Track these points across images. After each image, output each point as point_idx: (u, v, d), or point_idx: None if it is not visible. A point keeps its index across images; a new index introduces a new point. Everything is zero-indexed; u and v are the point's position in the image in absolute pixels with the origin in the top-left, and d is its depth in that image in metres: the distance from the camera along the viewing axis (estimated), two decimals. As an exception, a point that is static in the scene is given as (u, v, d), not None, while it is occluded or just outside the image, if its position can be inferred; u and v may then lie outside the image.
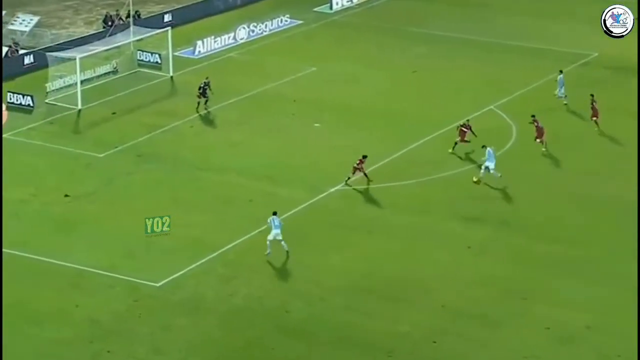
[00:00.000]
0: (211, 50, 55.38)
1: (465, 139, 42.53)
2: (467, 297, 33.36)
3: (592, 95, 45.79)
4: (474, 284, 34.12)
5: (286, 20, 59.86)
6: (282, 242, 35.01)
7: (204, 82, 47.23)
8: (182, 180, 40.89)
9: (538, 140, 43.23)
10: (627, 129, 45.32)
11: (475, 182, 40.39)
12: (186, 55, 54.58)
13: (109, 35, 52.69)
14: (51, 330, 31.32)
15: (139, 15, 56.96)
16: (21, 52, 52.48)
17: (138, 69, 52.53)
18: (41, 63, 51.24)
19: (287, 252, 35.12)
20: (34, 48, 53.34)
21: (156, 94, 49.99)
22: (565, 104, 47.87)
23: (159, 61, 52.73)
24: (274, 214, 35.13)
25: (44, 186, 40.09)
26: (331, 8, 62.92)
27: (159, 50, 52.86)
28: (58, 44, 52.75)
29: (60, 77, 49.15)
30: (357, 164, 40.03)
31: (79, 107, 47.71)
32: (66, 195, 39.29)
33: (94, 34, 55.25)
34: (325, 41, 57.83)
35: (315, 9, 62.77)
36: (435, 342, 31.18)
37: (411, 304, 33.06)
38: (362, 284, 34.10)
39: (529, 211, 38.89)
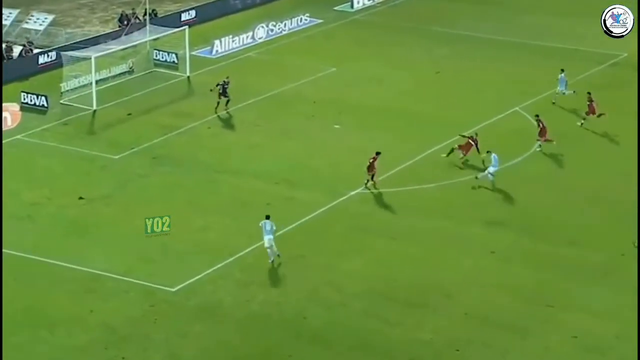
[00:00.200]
0: (229, 50, 55.48)
1: (467, 153, 41.90)
2: (491, 304, 33.26)
3: (589, 94, 45.98)
4: (498, 290, 34.01)
5: (306, 19, 59.89)
6: (271, 248, 34.79)
7: (224, 81, 47.18)
8: (198, 183, 40.96)
9: (542, 139, 43.17)
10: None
11: (461, 163, 40.65)
12: (203, 55, 54.69)
13: (125, 34, 52.87)
14: (65, 336, 31.42)
15: (155, 14, 57.12)
16: (35, 51, 52.72)
17: (154, 69, 52.68)
18: (56, 62, 51.54)
19: (279, 256, 34.89)
20: (48, 47, 53.59)
21: (173, 95, 50.11)
22: (553, 103, 47.83)
23: (176, 61, 52.86)
24: (267, 217, 35.03)
25: (58, 188, 40.24)
26: (352, 7, 62.91)
27: (176, 50, 52.99)
28: (73, 43, 52.97)
29: (75, 77, 49.34)
30: (371, 161, 39.90)
31: (94, 107, 47.88)
32: (81, 198, 39.43)
33: (109, 32, 55.46)
34: (346, 41, 57.82)
35: (336, 8, 62.78)
36: (458, 350, 31.10)
37: (433, 311, 32.98)
38: (383, 289, 34.06)
39: (554, 215, 38.74)
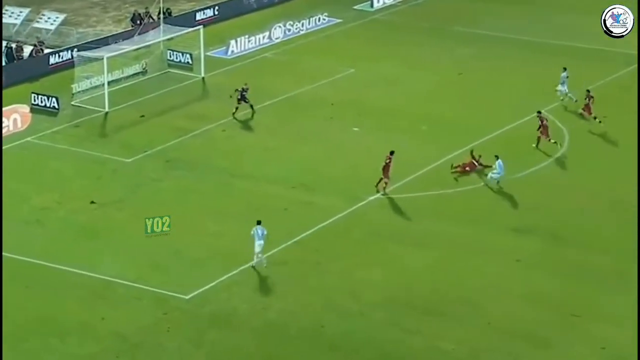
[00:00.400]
0: (245, 50, 55.57)
1: (467, 168, 41.65)
2: (515, 314, 33.16)
3: (589, 91, 46.08)
4: (523, 299, 33.91)
5: (324, 19, 59.93)
6: (261, 255, 34.81)
7: (242, 88, 47.11)
8: (213, 188, 41.03)
9: (544, 137, 43.41)
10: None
11: (453, 170, 40.98)
12: (219, 56, 54.80)
13: (138, 34, 53.04)
14: (75, 344, 31.51)
15: (169, 13, 57.28)
16: (46, 51, 52.95)
17: (168, 70, 52.82)
18: (67, 63, 51.74)
19: (264, 264, 34.92)
20: (59, 47, 53.81)
21: (187, 96, 50.22)
22: (562, 99, 47.89)
23: (190, 61, 52.98)
24: (258, 223, 35.00)
25: (69, 192, 40.39)
26: (372, 6, 62.92)
27: (190, 50, 53.10)
28: (85, 43, 53.16)
29: (87, 78, 49.50)
30: (387, 162, 39.84)
31: (106, 109, 48.03)
32: (92, 202, 39.55)
33: (122, 32, 55.65)
34: (365, 41, 57.82)
35: (355, 7, 62.80)
36: (480, 361, 31.06)
37: (455, 320, 32.90)
38: (403, 298, 34.00)
39: (580, 222, 38.61)
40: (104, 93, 48.27)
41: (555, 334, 32.25)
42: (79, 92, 49.11)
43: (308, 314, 33.09)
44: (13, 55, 51.81)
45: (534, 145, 43.62)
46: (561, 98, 48.17)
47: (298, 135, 45.76)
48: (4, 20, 56.94)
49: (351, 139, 45.52)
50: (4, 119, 44.41)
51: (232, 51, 55.18)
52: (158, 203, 39.32)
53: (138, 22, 56.12)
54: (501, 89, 50.82)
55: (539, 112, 44.33)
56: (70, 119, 47.17)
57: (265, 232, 34.86)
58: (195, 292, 33.96)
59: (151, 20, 55.93)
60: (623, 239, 37.36)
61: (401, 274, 35.31)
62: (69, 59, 51.79)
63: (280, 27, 57.62)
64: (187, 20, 56.93)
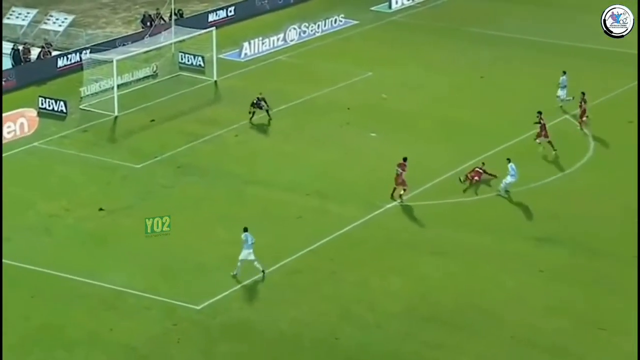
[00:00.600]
0: (259, 53, 55.64)
1: (476, 178, 41.44)
2: (539, 327, 33.01)
3: (583, 94, 46.19)
4: (546, 312, 33.76)
5: (340, 21, 59.96)
6: (256, 263, 34.83)
7: (257, 98, 47.05)
8: (225, 194, 41.05)
9: (538, 140, 43.61)
10: None
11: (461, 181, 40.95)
12: (231, 58, 54.88)
13: (149, 36, 53.18)
14: (82, 356, 31.53)
15: (181, 14, 57.40)
16: (54, 53, 53.13)
17: (179, 73, 52.93)
18: (75, 66, 51.90)
19: (264, 272, 34.93)
20: (68, 49, 54.00)
21: (198, 100, 50.30)
22: (561, 106, 47.84)
23: (202, 64, 53.08)
24: (245, 230, 34.98)
25: (77, 199, 40.47)
26: (390, 7, 62.94)
27: (202, 53, 53.21)
28: (94, 45, 53.35)
29: (96, 81, 49.65)
30: (400, 170, 39.75)
31: (116, 113, 48.15)
32: (101, 209, 39.62)
33: (132, 34, 55.81)
34: (383, 43, 57.81)
35: (373, 8, 62.83)
36: (502, 375, 30.96)
37: (476, 333, 32.77)
38: (422, 309, 33.91)
39: (604, 231, 38.43)
40: (113, 97, 48.39)
41: (581, 348, 32.09)
42: (87, 95, 49.26)
43: (322, 325, 33.03)
44: (20, 58, 52.01)
45: (540, 148, 43.80)
46: (559, 105, 48.10)
47: (313, 141, 45.75)
48: (11, 22, 57.21)
49: (368, 145, 45.48)
50: (10, 123, 44.54)
51: (246, 54, 55.25)
52: (168, 210, 39.27)
53: (148, 23, 56.27)
54: (523, 92, 50.68)
55: (539, 113, 44.27)
56: (78, 124, 47.29)
57: (254, 240, 34.84)
58: (207, 302, 33.96)
59: (162, 21, 56.09)
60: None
61: (419, 284, 35.21)
62: (78, 62, 51.99)
63: (295, 28, 57.66)
64: (199, 21, 57.04)
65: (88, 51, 52.20)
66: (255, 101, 46.91)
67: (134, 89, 50.81)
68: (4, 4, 58.38)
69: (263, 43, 56.05)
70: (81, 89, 49.28)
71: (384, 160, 42.77)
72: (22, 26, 57.07)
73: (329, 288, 34.95)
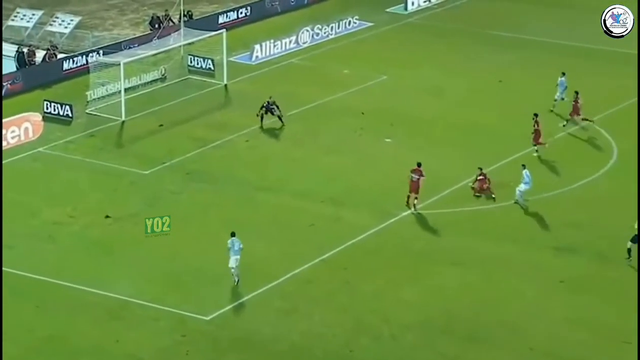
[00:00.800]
0: (270, 56, 55.71)
1: (485, 186, 41.33)
2: (559, 339, 32.94)
3: (577, 93, 46.44)
4: (567, 324, 33.69)
5: (355, 22, 60.01)
6: (234, 270, 34.82)
7: (267, 102, 47.07)
8: (235, 201, 41.10)
9: (534, 143, 43.88)
10: None
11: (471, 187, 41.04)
12: (242, 61, 54.97)
13: (157, 38, 53.30)
14: (88, 367, 31.65)
15: (190, 16, 57.52)
16: (60, 56, 53.30)
17: (188, 76, 53.04)
18: (82, 69, 52.05)
19: (237, 282, 34.92)
20: (74, 52, 54.18)
21: (208, 104, 50.39)
22: (552, 108, 48.13)
23: (212, 67, 53.18)
24: (232, 235, 35.01)
25: (83, 206, 40.57)
26: (406, 9, 62.95)
27: (212, 55, 53.30)
28: (100, 48, 53.52)
29: (103, 85, 49.79)
30: (417, 176, 39.70)
31: (123, 118, 48.27)
32: (107, 217, 39.71)
33: (140, 36, 55.95)
34: (399, 46, 57.83)
35: (388, 10, 62.85)
36: (521, 389, 30.91)
37: (494, 346, 32.73)
38: (438, 320, 33.88)
39: (627, 240, 38.25)
40: (120, 101, 48.50)
41: (603, 361, 32.06)
42: (94, 99, 49.38)
43: (335, 336, 33.02)
44: (25, 61, 52.19)
45: (536, 154, 44.12)
46: (551, 108, 48.11)
47: (326, 146, 45.78)
48: (15, 24, 57.40)
49: (383, 151, 45.49)
50: (14, 128, 44.67)
51: (257, 56, 55.33)
52: (177, 217, 39.34)
53: (157, 25, 56.41)
54: (544, 97, 50.50)
55: (536, 115, 44.39)
56: (84, 128, 47.42)
57: (241, 247, 34.90)
58: (216, 313, 34.00)
59: (171, 23, 56.20)
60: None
61: (436, 295, 35.18)
62: (84, 65, 52.13)
63: (307, 31, 57.72)
64: (209, 23, 57.14)
65: (95, 54, 52.43)
66: (265, 104, 46.94)
67: (142, 93, 50.94)
68: (9, 6, 58.66)
69: (275, 45, 56.12)
70: (87, 93, 49.41)
71: (399, 166, 42.73)
72: (27, 28, 57.26)
73: (342, 298, 34.95)
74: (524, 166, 40.80)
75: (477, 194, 41.33)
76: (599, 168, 43.24)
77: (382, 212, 40.01)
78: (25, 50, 52.83)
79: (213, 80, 52.62)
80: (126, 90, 49.13)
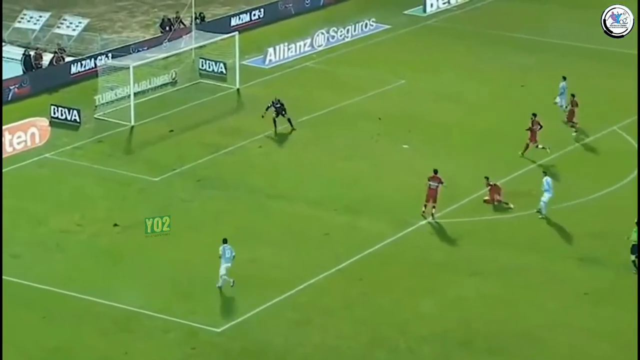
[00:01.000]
0: (284, 59, 55.82)
1: (496, 195, 41.29)
2: (583, 353, 32.91)
3: (573, 96, 46.82)
4: (590, 336, 33.65)
5: (371, 25, 60.07)
6: (224, 277, 34.97)
7: (272, 102, 47.05)
8: (247, 209, 41.17)
9: (531, 143, 44.26)
10: None
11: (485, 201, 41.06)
12: (255, 65, 55.08)
13: (168, 41, 53.48)
14: (95, 380, 31.78)
15: (202, 18, 57.66)
16: (67, 59, 53.52)
17: (200, 80, 53.18)
18: (90, 72, 52.25)
19: (220, 288, 35.15)
20: (82, 55, 54.39)
21: (220, 109, 50.51)
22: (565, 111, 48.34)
23: (224, 71, 53.32)
24: (224, 242, 35.11)
25: (91, 214, 40.70)
26: (424, 11, 62.99)
27: (224, 59, 53.44)
28: (109, 51, 53.72)
29: (111, 89, 49.96)
30: (435, 183, 39.73)
31: (132, 123, 48.42)
32: (115, 225, 39.84)
33: (150, 39, 56.13)
34: (417, 49, 57.87)
35: (406, 12, 62.90)
36: (542, 404, 30.88)
37: (515, 359, 32.68)
38: (457, 333, 33.87)
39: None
40: (129, 105, 48.66)
41: (627, 375, 32.00)
42: (102, 104, 49.55)
43: (350, 349, 33.04)
44: (31, 64, 52.42)
45: (520, 153, 44.39)
46: (564, 119, 48.19)
47: (341, 153, 45.83)
48: (22, 26, 57.67)
49: (400, 157, 45.51)
50: (20, 133, 44.81)
51: (270, 60, 55.44)
52: (188, 226, 39.51)
53: (167, 27, 56.58)
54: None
55: (534, 115, 44.42)
56: (92, 134, 47.58)
57: (233, 254, 35.02)
58: (227, 325, 34.07)
59: (182, 25, 56.37)
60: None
61: (455, 306, 35.18)
62: (92, 68, 52.35)
63: (323, 33, 57.82)
64: (221, 26, 57.30)
65: (103, 57, 52.64)
66: (269, 105, 46.95)
67: (152, 97, 51.07)
68: (15, 7, 58.96)
69: (289, 49, 56.21)
70: (96, 97, 49.58)
71: (417, 174, 42.76)
72: (33, 30, 57.49)
73: (358, 310, 34.98)
74: (545, 173, 40.78)
75: (495, 203, 41.28)
76: (623, 177, 43.13)
77: (400, 221, 40.03)
78: (32, 53, 53.05)
79: (225, 85, 52.74)
80: (136, 94, 49.30)
